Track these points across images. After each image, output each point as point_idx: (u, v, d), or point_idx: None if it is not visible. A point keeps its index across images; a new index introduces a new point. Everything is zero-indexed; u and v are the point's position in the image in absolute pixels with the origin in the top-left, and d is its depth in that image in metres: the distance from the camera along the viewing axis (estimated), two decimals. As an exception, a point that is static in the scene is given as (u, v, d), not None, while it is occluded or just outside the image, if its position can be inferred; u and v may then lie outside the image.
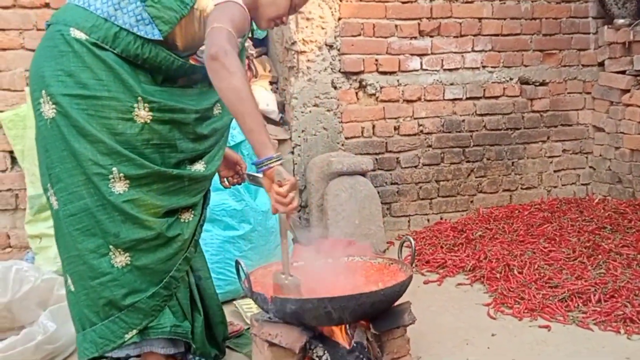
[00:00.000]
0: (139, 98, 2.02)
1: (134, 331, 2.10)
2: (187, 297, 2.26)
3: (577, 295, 2.88)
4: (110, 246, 2.05)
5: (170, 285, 2.16)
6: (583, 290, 2.90)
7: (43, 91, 2.00)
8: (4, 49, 3.52)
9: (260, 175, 2.42)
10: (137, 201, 2.04)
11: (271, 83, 4.31)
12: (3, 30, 3.51)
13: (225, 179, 2.53)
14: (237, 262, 2.15)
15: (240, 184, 2.56)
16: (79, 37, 1.98)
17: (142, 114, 2.03)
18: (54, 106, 1.99)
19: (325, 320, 2.09)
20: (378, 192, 4.03)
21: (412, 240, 2.33)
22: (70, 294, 2.15)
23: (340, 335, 2.18)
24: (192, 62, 2.19)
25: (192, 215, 2.21)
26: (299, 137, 4.02)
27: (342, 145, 4.10)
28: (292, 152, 4.01)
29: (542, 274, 3.13)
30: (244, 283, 2.13)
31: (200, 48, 2.15)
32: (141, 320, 2.10)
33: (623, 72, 4.26)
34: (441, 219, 4.30)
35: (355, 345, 2.13)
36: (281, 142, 3.96)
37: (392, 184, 4.23)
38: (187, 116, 2.12)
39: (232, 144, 3.30)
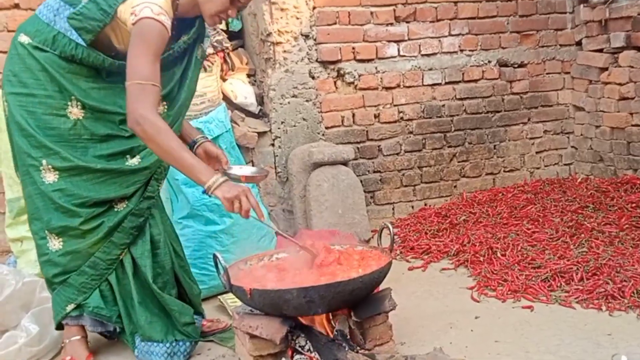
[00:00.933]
0: (72, 97, 2.23)
1: (72, 305, 2.35)
2: (125, 285, 2.40)
3: (560, 274, 2.89)
4: (46, 231, 2.30)
5: (97, 265, 2.35)
6: (565, 269, 2.91)
7: (1, 90, 2.28)
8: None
9: (233, 172, 2.49)
10: (65, 191, 2.26)
11: (249, 75, 4.27)
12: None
13: None
14: (214, 256, 2.14)
15: None
16: (22, 41, 2.22)
17: (75, 111, 2.25)
18: (5, 104, 2.27)
19: (305, 310, 2.08)
20: (361, 181, 4.02)
21: (390, 226, 2.32)
22: None
23: (321, 324, 2.18)
24: None
25: (124, 205, 2.36)
26: (279, 128, 3.99)
27: (323, 135, 4.08)
28: (273, 144, 3.99)
29: (525, 255, 3.14)
30: (223, 277, 2.12)
31: None
32: (76, 295, 2.35)
33: (601, 51, 4.26)
34: (425, 205, 4.30)
35: (337, 333, 2.13)
36: (261, 134, 3.94)
37: (374, 172, 4.22)
38: (119, 117, 2.27)
39: (210, 138, 3.27)
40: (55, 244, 2.31)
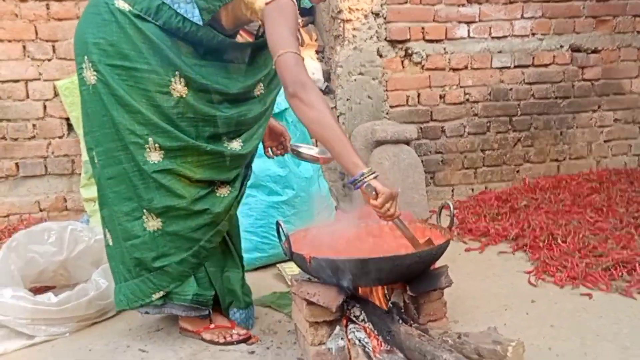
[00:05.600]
0: (177, 72, 2.07)
1: (161, 292, 2.24)
2: (215, 260, 2.35)
3: (622, 264, 2.84)
4: (144, 210, 2.15)
5: (200, 254, 2.25)
6: (628, 259, 2.86)
7: (85, 57, 2.07)
8: (61, 19, 3.65)
9: (303, 151, 2.48)
10: (170, 171, 2.12)
11: (317, 52, 4.33)
12: (59, 1, 3.63)
13: (269, 149, 2.58)
14: (277, 224, 2.21)
15: (283, 155, 2.59)
16: (122, 8, 2.03)
17: (179, 87, 2.08)
18: (95, 73, 2.06)
19: (361, 281, 2.12)
20: (422, 161, 4.03)
21: (451, 204, 2.33)
22: (109, 248, 2.29)
23: (377, 296, 2.22)
24: (240, 37, 2.24)
25: (228, 191, 2.26)
26: (344, 105, 4.04)
27: (387, 114, 4.10)
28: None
29: (586, 244, 3.09)
30: (284, 244, 2.19)
31: (251, 24, 2.19)
32: (169, 283, 2.24)
33: (680, 39, 4.10)
34: (486, 188, 4.27)
35: (391, 306, 2.17)
36: (326, 110, 3.99)
37: (436, 152, 4.22)
38: (220, 96, 2.16)
39: (277, 111, 3.35)
40: (153, 224, 2.17)
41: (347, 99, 4.04)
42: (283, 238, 2.19)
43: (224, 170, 2.22)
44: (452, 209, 2.33)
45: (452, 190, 4.26)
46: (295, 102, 1.89)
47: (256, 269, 3.22)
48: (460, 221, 3.75)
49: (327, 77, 4.16)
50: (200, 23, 2.05)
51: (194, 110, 2.11)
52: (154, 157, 2.11)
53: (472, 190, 4.27)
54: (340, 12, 3.96)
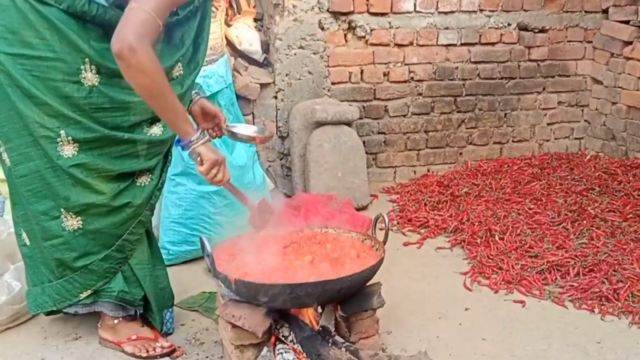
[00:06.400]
0: (86, 60, 1.93)
1: (89, 291, 2.18)
2: (144, 260, 2.25)
3: (556, 267, 2.83)
4: (62, 209, 2.06)
5: (124, 248, 2.17)
6: (562, 262, 2.84)
7: None
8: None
9: (239, 131, 2.35)
10: (86, 165, 2.01)
11: (255, 20, 4.08)
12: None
13: (204, 131, 2.42)
14: (201, 239, 2.06)
15: (220, 137, 2.44)
16: None
17: (89, 76, 1.95)
18: None
19: (290, 304, 2.03)
20: (364, 142, 3.91)
21: (386, 217, 2.23)
22: (25, 248, 2.20)
23: (307, 316, 2.13)
24: None
25: (149, 179, 2.17)
26: (283, 81, 3.84)
27: (328, 91, 3.93)
28: (276, 97, 3.85)
29: (523, 242, 3.06)
30: (208, 261, 2.05)
31: None
32: (95, 281, 2.16)
33: (627, 22, 4.03)
34: (428, 171, 4.20)
35: (321, 326, 2.09)
36: (263, 86, 3.78)
37: (378, 133, 4.09)
38: None
39: (208, 94, 3.14)
40: (72, 223, 2.07)
41: (287, 75, 3.84)
42: (207, 253, 2.05)
43: (144, 158, 2.12)
44: (386, 222, 2.23)
45: (395, 172, 4.16)
46: (121, 64, 1.76)
47: (185, 262, 3.08)
48: (401, 208, 3.68)
49: (266, 48, 3.94)
50: (107, 4, 1.90)
51: (109, 99, 1.99)
52: (68, 150, 1.99)
53: (415, 172, 4.18)
54: (279, -21, 3.72)
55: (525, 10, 4.17)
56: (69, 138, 1.97)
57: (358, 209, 3.67)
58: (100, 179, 2.05)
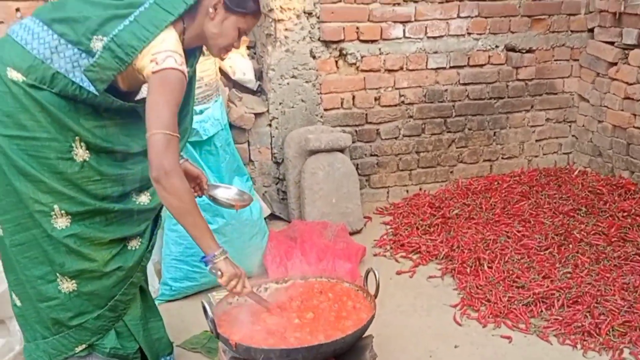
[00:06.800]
0: (76, 137, 2.08)
1: (84, 345, 2.27)
2: (137, 316, 2.37)
3: (542, 300, 2.96)
4: (57, 274, 2.16)
5: (117, 307, 2.29)
6: (547, 294, 2.98)
7: None
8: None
9: (219, 194, 2.52)
10: (79, 235, 2.14)
11: (249, 47, 4.17)
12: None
13: None
14: (202, 305, 2.18)
15: (200, 197, 2.55)
16: (15, 79, 2.00)
17: (80, 152, 2.09)
18: None
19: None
20: (357, 165, 4.01)
21: (376, 273, 2.35)
22: (16, 308, 2.30)
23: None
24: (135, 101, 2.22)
25: (139, 243, 2.30)
26: (277, 109, 3.94)
27: (321, 117, 4.03)
28: (270, 125, 3.95)
29: (510, 271, 3.20)
30: (210, 325, 2.18)
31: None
32: (90, 337, 2.27)
33: (612, 44, 4.11)
34: (420, 189, 4.31)
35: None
36: (258, 114, 3.89)
37: (371, 155, 4.20)
38: (124, 155, 2.19)
39: (205, 137, 3.25)
40: (68, 286, 2.17)
41: (280, 103, 3.94)
42: (209, 317, 2.18)
43: (133, 224, 2.26)
44: (376, 277, 2.35)
45: (387, 192, 4.28)
46: (157, 187, 1.95)
47: (187, 297, 3.20)
48: (394, 231, 3.81)
49: (259, 75, 4.03)
50: (97, 93, 2.04)
51: (99, 172, 2.13)
52: (62, 223, 2.12)
53: (407, 191, 4.30)
54: (271, 10, 3.79)
55: (513, 32, 4.25)
56: (62, 211, 2.10)
57: (352, 233, 3.80)
58: (92, 247, 2.17)
